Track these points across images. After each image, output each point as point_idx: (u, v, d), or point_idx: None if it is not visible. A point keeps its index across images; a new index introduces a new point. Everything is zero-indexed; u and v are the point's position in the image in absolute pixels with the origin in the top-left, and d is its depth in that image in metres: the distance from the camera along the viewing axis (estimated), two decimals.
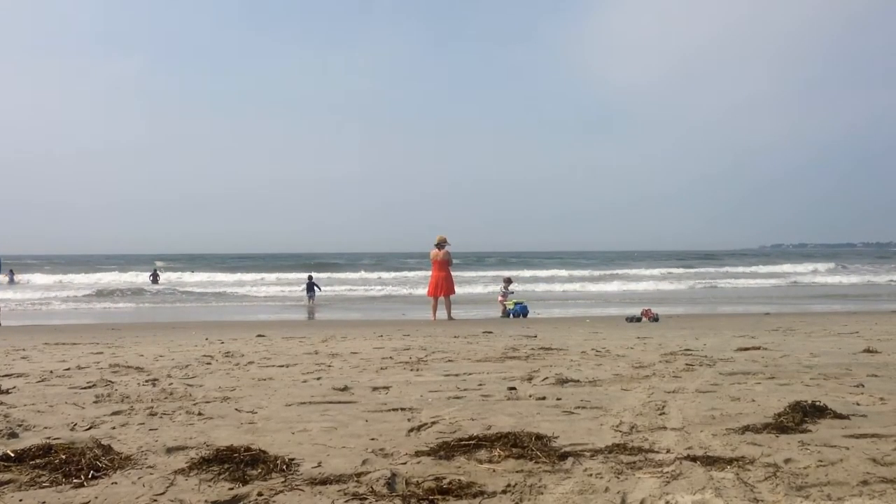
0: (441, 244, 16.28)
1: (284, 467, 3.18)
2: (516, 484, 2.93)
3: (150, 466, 3.27)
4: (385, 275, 45.12)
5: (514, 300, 16.90)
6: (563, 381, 5.74)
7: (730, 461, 3.21)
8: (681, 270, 48.88)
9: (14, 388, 5.65)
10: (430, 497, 2.72)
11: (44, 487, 2.94)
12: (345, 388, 5.56)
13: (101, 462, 3.22)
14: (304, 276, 26.64)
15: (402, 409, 4.65)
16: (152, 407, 4.78)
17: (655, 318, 14.17)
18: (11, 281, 35.68)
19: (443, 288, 16.17)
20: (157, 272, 39.66)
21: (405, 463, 3.30)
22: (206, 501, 2.74)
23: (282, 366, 7.06)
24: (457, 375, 6.22)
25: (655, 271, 46.63)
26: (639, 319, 14.09)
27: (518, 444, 3.47)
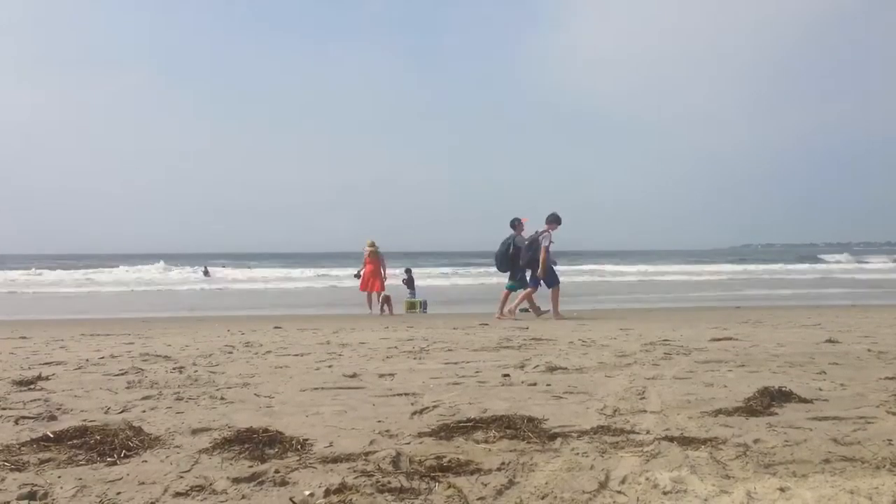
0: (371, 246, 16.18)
1: (299, 447, 3.18)
2: (510, 462, 2.93)
3: (177, 446, 3.27)
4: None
5: (418, 298, 16.85)
6: (552, 369, 5.74)
7: (704, 441, 3.21)
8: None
9: (53, 375, 5.65)
10: (432, 474, 2.72)
11: (80, 465, 2.94)
12: (354, 375, 5.56)
13: (132, 442, 3.22)
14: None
15: (406, 395, 4.65)
16: (179, 392, 4.78)
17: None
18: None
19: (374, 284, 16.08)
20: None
21: (409, 443, 3.30)
22: (228, 478, 2.74)
23: (297, 355, 7.05)
24: (456, 363, 6.22)
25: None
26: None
27: (511, 426, 3.47)
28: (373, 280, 16.08)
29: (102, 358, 6.83)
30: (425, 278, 28.39)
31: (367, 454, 3.05)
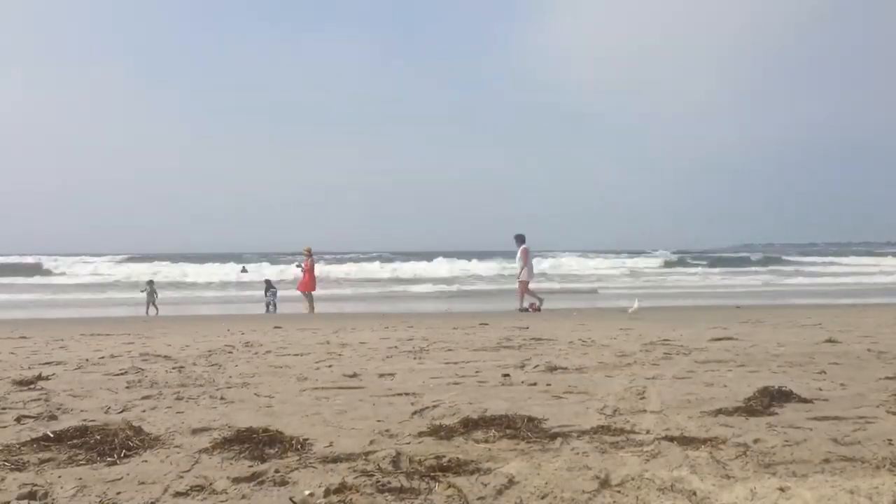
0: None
1: (299, 447, 3.18)
2: (510, 461, 2.92)
3: (177, 446, 3.27)
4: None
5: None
6: (552, 369, 5.74)
7: (704, 441, 3.21)
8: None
9: (53, 374, 5.65)
10: (432, 473, 2.72)
11: (80, 465, 2.95)
12: (354, 375, 5.56)
13: (132, 442, 3.23)
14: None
15: (406, 394, 4.65)
16: (179, 392, 4.78)
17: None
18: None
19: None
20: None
21: (409, 443, 3.30)
22: (228, 478, 2.74)
23: (297, 354, 7.05)
24: (456, 363, 6.22)
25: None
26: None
27: (511, 426, 3.47)
28: (310, 281, 17.93)
29: (102, 358, 6.84)
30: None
31: (367, 454, 3.05)
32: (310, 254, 18.20)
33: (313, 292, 17.90)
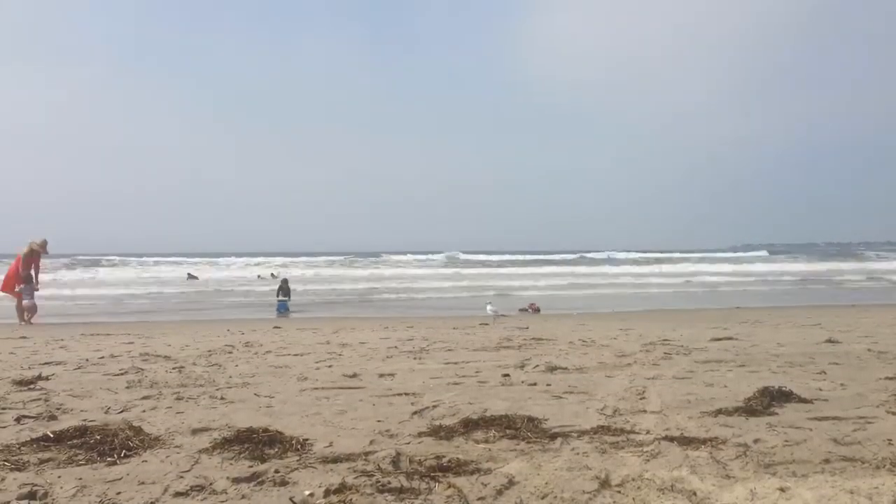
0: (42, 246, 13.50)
1: (299, 447, 3.18)
2: (510, 462, 2.92)
3: (177, 446, 3.27)
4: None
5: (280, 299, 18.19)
6: (552, 369, 5.74)
7: (704, 441, 3.21)
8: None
9: (53, 374, 5.65)
10: (432, 474, 2.73)
11: (80, 465, 2.95)
12: (354, 375, 5.56)
13: (132, 442, 3.23)
14: None
15: (406, 394, 4.65)
16: (179, 392, 4.78)
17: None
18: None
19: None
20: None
21: (409, 443, 3.30)
22: (228, 478, 2.74)
23: (296, 354, 7.05)
24: (456, 363, 6.22)
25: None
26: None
27: (511, 426, 3.47)
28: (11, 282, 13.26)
29: (102, 358, 6.83)
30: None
31: (367, 454, 3.05)
32: (43, 249, 13.29)
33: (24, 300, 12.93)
